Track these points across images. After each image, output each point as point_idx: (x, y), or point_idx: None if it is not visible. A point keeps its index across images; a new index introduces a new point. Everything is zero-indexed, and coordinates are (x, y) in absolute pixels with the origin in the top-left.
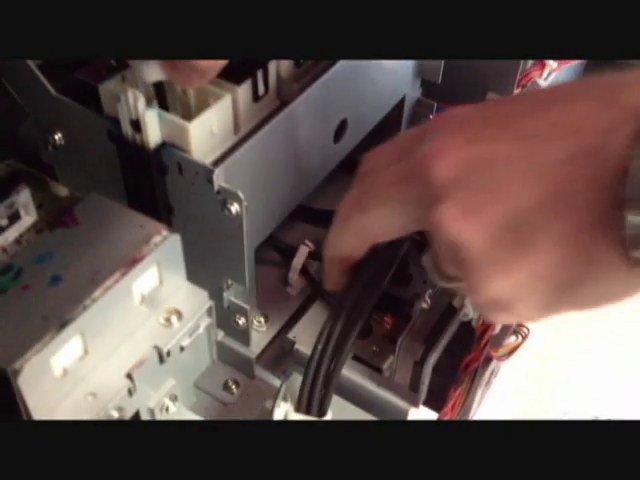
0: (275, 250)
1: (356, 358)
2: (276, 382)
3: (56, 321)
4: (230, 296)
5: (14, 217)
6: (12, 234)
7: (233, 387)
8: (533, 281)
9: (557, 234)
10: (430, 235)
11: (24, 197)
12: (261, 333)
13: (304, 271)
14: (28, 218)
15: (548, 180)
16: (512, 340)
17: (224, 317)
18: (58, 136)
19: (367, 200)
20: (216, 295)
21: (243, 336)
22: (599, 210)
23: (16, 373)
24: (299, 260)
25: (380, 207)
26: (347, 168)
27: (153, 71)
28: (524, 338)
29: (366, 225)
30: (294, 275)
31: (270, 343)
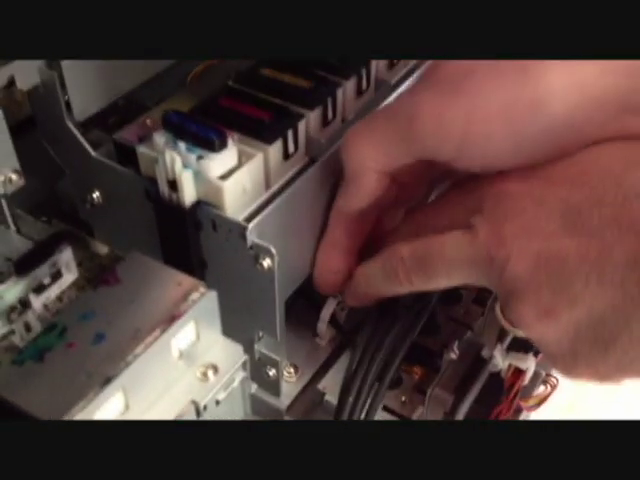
0: (303, 299)
1: (386, 408)
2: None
3: (99, 378)
4: (261, 348)
5: (56, 275)
6: (54, 291)
7: None
8: (618, 370)
9: (635, 333)
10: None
11: (66, 256)
12: (291, 384)
13: (333, 321)
14: (70, 276)
15: (619, 284)
16: (541, 390)
17: (254, 368)
18: (96, 194)
19: (434, 268)
20: (247, 347)
21: (273, 387)
22: None
23: None
24: (328, 311)
25: (447, 277)
26: None
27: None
28: (553, 388)
29: (429, 287)
30: (323, 326)
31: (300, 394)
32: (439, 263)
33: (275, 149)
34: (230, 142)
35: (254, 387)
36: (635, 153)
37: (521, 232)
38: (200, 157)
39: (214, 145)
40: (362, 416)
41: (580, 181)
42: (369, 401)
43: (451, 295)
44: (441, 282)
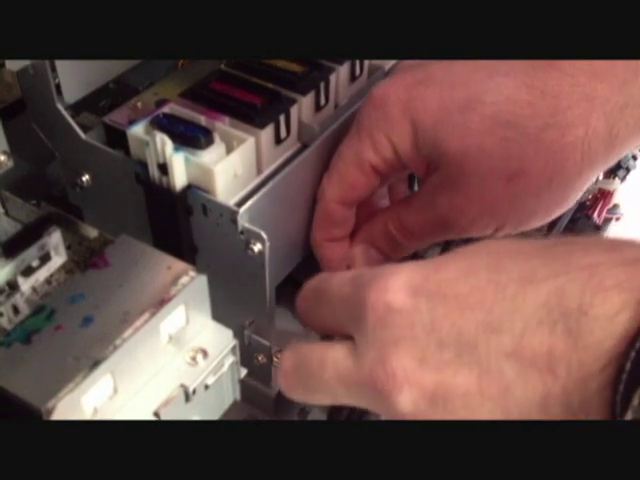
0: (294, 286)
1: None
2: (296, 419)
3: (88, 361)
4: (251, 333)
5: (45, 258)
6: (42, 274)
7: None
8: None
9: None
10: None
11: (55, 239)
12: None
13: None
14: (58, 259)
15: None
16: None
17: (244, 354)
18: (86, 178)
19: (314, 385)
20: (237, 332)
21: (263, 373)
22: None
23: (49, 412)
24: None
25: (331, 396)
26: None
27: None
28: None
29: (314, 402)
30: None
31: None
32: (320, 380)
33: (267, 134)
34: (217, 138)
35: (244, 372)
36: (531, 268)
37: (412, 363)
38: (187, 156)
39: (200, 143)
40: None
41: (472, 302)
42: None
43: None
44: (325, 399)
